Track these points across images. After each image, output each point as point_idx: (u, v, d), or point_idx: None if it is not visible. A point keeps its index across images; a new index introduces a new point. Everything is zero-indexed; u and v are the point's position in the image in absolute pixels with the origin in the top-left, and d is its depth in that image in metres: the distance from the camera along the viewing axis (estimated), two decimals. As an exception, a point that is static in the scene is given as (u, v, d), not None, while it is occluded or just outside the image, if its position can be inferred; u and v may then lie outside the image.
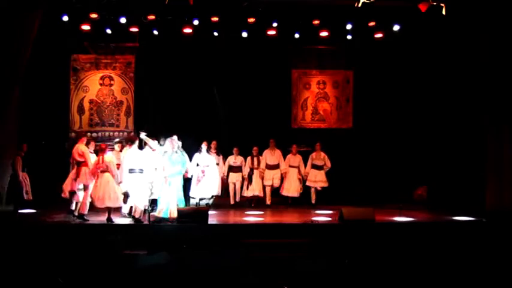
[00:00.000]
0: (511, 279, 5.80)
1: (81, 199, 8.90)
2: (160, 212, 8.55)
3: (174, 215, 8.46)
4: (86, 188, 8.84)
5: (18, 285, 5.47)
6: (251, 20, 10.61)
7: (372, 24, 10.93)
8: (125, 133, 11.86)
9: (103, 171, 8.55)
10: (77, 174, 8.80)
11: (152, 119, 11.64)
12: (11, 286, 5.45)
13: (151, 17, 10.47)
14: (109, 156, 8.76)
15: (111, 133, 11.83)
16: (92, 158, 8.87)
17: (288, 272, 6.23)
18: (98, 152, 8.81)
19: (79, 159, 8.81)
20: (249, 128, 11.60)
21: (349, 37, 11.45)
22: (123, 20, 10.54)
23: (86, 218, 8.69)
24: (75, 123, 11.90)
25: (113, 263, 6.02)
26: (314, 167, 11.09)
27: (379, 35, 11.24)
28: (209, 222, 8.40)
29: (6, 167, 9.01)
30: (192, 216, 8.38)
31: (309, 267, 6.40)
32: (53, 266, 5.90)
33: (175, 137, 8.93)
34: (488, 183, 9.64)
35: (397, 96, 12.04)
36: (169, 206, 8.52)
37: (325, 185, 11.03)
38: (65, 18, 10.37)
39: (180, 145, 8.97)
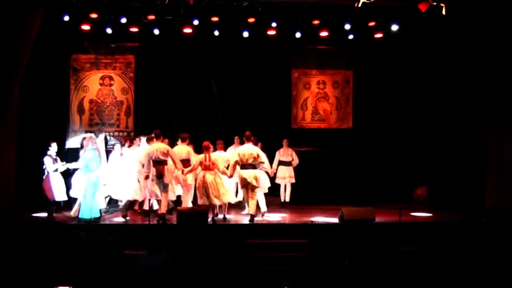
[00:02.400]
0: (511, 279, 5.80)
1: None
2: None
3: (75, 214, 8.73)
4: (166, 187, 9.01)
5: (18, 285, 5.47)
6: (251, 20, 10.61)
7: (372, 24, 10.93)
8: (125, 133, 11.87)
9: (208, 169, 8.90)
10: (161, 173, 8.88)
11: (152, 119, 11.64)
12: (11, 285, 5.45)
13: (151, 17, 10.48)
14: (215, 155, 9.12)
15: (111, 133, 11.83)
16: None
17: (288, 272, 6.23)
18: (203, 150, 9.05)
19: (162, 157, 8.88)
20: (249, 128, 11.57)
21: (349, 37, 11.46)
22: (123, 20, 10.54)
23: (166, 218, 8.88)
24: (75, 123, 11.91)
25: (113, 263, 6.02)
26: (282, 163, 11.11)
27: (379, 35, 11.24)
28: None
29: (8, 167, 9.05)
30: (191, 216, 8.38)
31: (308, 267, 6.41)
32: (52, 265, 5.90)
33: (92, 135, 9.26)
34: (488, 183, 9.66)
35: (397, 96, 12.05)
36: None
37: (293, 180, 11.10)
38: (65, 18, 10.37)
39: (96, 143, 8.96)
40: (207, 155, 8.95)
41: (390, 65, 12.03)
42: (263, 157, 9.22)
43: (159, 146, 8.95)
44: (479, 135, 10.01)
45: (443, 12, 8.49)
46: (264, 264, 6.78)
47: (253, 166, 9.03)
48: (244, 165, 9.02)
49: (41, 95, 11.12)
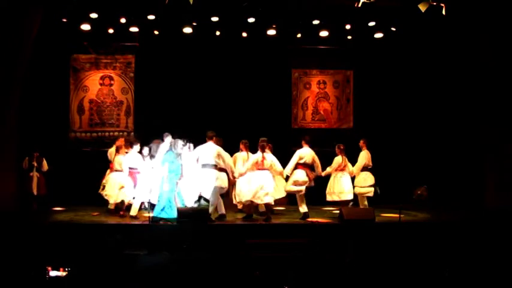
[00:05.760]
0: (511, 279, 5.80)
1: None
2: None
3: None
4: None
5: (18, 285, 5.47)
6: (251, 20, 10.61)
7: (372, 24, 10.94)
8: (125, 133, 11.86)
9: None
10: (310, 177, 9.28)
11: (152, 119, 11.64)
12: (11, 285, 5.45)
13: (151, 17, 10.48)
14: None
15: (111, 133, 11.82)
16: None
17: (288, 272, 6.22)
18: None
19: (312, 162, 9.33)
20: (249, 128, 11.58)
21: (349, 37, 11.46)
22: (123, 20, 10.54)
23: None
24: (75, 123, 11.90)
25: (113, 263, 6.01)
26: None
27: (379, 35, 11.24)
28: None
29: (8, 167, 9.05)
30: (192, 216, 8.38)
31: (307, 267, 6.40)
32: (52, 265, 5.89)
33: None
34: (488, 182, 9.66)
35: (398, 96, 12.05)
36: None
37: None
38: (65, 18, 10.38)
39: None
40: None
41: (390, 65, 12.03)
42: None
43: (310, 151, 9.27)
44: (479, 134, 10.02)
45: (443, 12, 8.48)
46: (264, 264, 6.77)
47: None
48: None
49: (41, 95, 11.13)
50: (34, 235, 7.62)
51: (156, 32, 11.08)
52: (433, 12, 8.44)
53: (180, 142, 8.84)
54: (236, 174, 8.99)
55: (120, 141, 9.83)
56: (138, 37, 11.51)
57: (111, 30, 10.99)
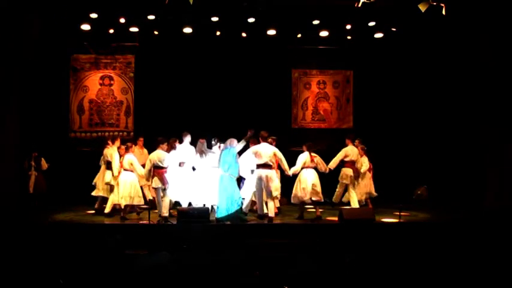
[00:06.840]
0: (511, 278, 5.80)
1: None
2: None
3: None
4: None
5: (19, 285, 5.47)
6: (251, 20, 10.62)
7: (372, 24, 10.94)
8: (125, 133, 11.86)
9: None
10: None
11: (152, 119, 11.65)
12: (11, 285, 5.45)
13: (151, 17, 10.48)
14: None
15: (111, 133, 11.81)
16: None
17: (288, 272, 6.22)
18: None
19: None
20: (249, 128, 11.58)
21: (349, 37, 11.46)
22: (123, 20, 10.54)
23: None
24: (75, 123, 11.91)
25: (114, 263, 6.02)
26: None
27: (379, 35, 11.24)
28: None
29: (9, 167, 9.06)
30: (192, 215, 8.38)
31: (309, 267, 6.40)
32: (53, 265, 5.90)
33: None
34: (488, 182, 9.65)
35: (397, 96, 12.06)
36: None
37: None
38: (65, 18, 10.37)
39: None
40: None
41: (390, 65, 12.04)
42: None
43: (355, 149, 9.87)
44: (479, 134, 10.02)
45: (443, 12, 8.48)
46: (264, 264, 6.77)
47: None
48: None
49: (41, 95, 11.14)
50: (33, 235, 7.62)
51: (156, 32, 11.08)
52: (433, 12, 8.45)
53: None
54: (290, 173, 9.19)
55: (118, 142, 9.76)
56: (138, 37, 11.53)
57: (111, 30, 10.98)
